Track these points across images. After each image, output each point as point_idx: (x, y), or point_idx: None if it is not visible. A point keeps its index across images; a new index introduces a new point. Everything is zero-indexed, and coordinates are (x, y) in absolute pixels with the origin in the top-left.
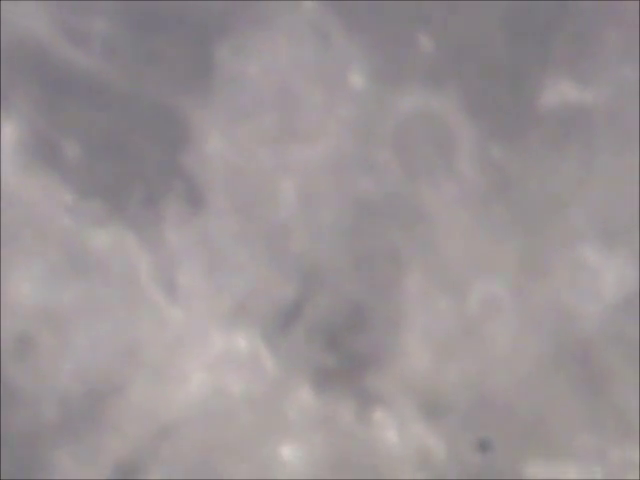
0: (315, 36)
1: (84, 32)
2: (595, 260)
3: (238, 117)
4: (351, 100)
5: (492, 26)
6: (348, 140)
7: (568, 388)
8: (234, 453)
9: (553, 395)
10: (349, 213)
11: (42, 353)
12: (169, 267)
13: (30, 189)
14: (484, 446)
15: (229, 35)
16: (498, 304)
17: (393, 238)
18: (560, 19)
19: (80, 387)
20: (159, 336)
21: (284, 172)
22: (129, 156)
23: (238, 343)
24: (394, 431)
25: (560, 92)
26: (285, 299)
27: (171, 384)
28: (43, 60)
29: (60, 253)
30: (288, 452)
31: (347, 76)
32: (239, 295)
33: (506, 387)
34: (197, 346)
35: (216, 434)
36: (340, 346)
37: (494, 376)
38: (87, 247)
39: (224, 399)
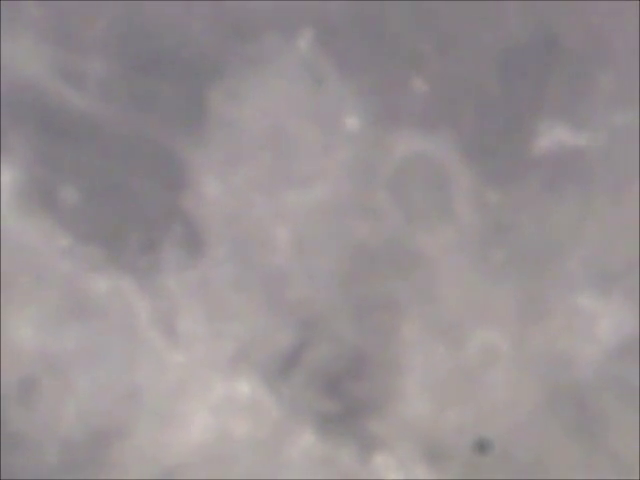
0: (310, 78)
1: (80, 74)
2: (592, 306)
3: (234, 161)
4: (347, 143)
5: (487, 70)
6: (344, 184)
7: (565, 433)
8: None
9: (550, 440)
10: (347, 258)
11: (43, 398)
12: (168, 312)
13: (28, 234)
14: (484, 446)
15: (224, 78)
16: (496, 350)
17: (391, 284)
18: (554, 63)
19: (82, 431)
20: (160, 380)
21: (281, 217)
22: (126, 200)
23: (239, 388)
24: (395, 475)
25: (555, 136)
26: (285, 345)
27: (173, 428)
28: (39, 103)
29: (59, 298)
30: None
31: (342, 119)
32: (239, 341)
33: (504, 432)
34: (199, 390)
35: (219, 477)
36: (340, 391)
37: (492, 421)
38: (86, 292)
39: (226, 443)
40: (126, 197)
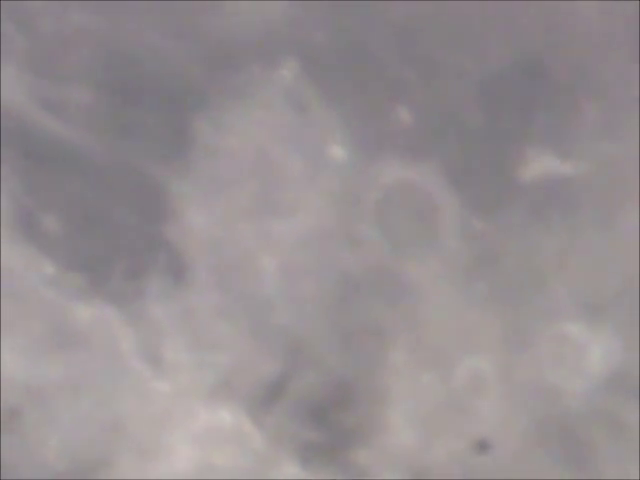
0: (294, 108)
1: (63, 103)
2: (579, 335)
3: (217, 190)
4: (331, 172)
5: (472, 98)
6: (329, 213)
7: (553, 464)
8: None
9: (538, 471)
10: (332, 287)
11: (26, 428)
12: (152, 341)
13: (10, 262)
14: (484, 446)
15: (208, 107)
16: (483, 379)
17: (377, 312)
18: (540, 92)
19: (66, 462)
20: (144, 410)
21: (265, 246)
22: (110, 229)
23: (223, 417)
24: None
25: (541, 165)
26: (269, 374)
27: (157, 458)
28: (21, 131)
29: (42, 327)
30: None
31: (327, 148)
32: (223, 370)
33: (492, 463)
34: (182, 420)
35: None
36: (325, 420)
37: (479, 452)
38: (69, 321)
39: (210, 473)
40: (110, 226)
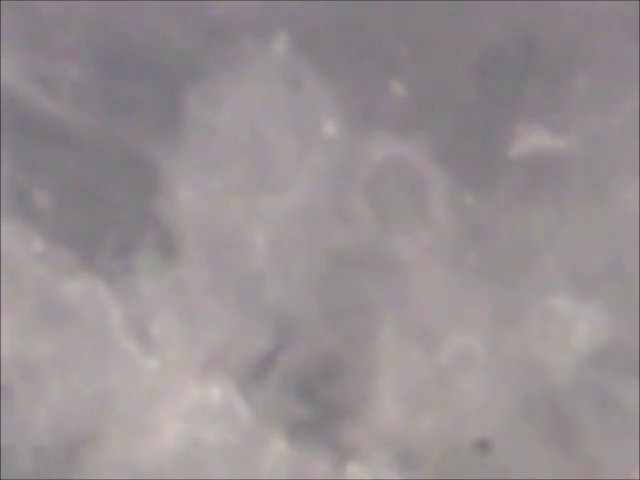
0: (287, 83)
1: (54, 79)
2: (567, 311)
3: (209, 166)
4: (323, 148)
5: (463, 74)
6: (320, 189)
7: (539, 439)
8: None
9: (524, 446)
10: (322, 263)
11: (15, 404)
12: (142, 317)
13: (1, 238)
14: (483, 446)
15: (200, 82)
16: (470, 355)
17: (366, 288)
18: (531, 67)
19: (54, 438)
20: (133, 386)
21: (256, 222)
22: (100, 205)
23: (212, 393)
24: None
25: (532, 140)
26: (259, 349)
27: (145, 435)
28: (13, 107)
29: (32, 303)
30: None
31: (319, 124)
32: (213, 346)
33: (477, 439)
34: (171, 397)
35: None
36: (314, 397)
37: (466, 427)
38: (59, 297)
39: (199, 449)
40: (100, 202)
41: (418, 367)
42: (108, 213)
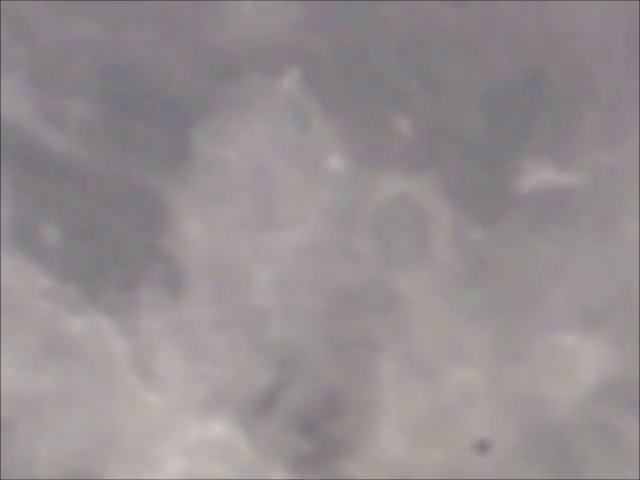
0: (294, 119)
1: (61, 115)
2: (572, 346)
3: (216, 201)
4: (329, 184)
5: (471, 109)
6: (325, 225)
7: (543, 474)
8: None
9: None
10: (326, 299)
11: (19, 438)
12: (146, 353)
13: (7, 273)
14: (483, 446)
15: (207, 118)
16: (473, 390)
17: (369, 324)
18: (539, 103)
19: (57, 473)
20: (136, 422)
21: (261, 258)
22: (106, 240)
23: (215, 429)
24: None
25: (540, 175)
26: (262, 385)
27: (148, 470)
28: (22, 143)
29: (37, 338)
30: None
31: (325, 160)
32: (216, 381)
33: (480, 473)
34: (174, 432)
35: None
36: (316, 431)
37: (468, 462)
38: (64, 332)
39: None
40: (106, 238)
41: (420, 402)
42: (113, 248)
